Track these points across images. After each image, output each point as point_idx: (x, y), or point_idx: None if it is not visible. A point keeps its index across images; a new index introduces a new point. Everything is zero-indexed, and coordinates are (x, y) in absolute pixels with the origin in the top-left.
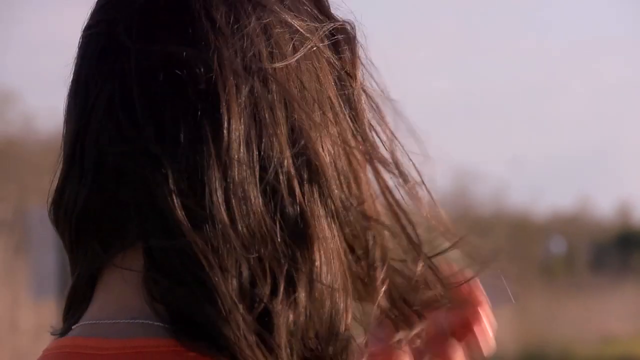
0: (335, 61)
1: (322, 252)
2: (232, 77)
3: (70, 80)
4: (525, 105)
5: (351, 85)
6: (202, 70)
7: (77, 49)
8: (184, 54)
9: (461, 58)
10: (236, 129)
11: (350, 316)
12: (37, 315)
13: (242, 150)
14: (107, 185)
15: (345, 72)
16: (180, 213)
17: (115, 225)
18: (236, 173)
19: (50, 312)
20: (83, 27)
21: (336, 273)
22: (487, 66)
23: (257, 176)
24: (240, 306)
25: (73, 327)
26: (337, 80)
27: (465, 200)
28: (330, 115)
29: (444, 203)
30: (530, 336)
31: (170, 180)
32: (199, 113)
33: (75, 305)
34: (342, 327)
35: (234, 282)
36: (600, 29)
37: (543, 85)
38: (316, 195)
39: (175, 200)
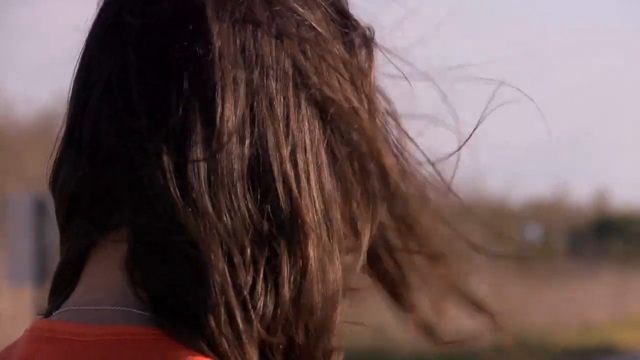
0: (348, 59)
1: (314, 246)
2: (231, 66)
3: (77, 61)
4: (503, 92)
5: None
6: (200, 57)
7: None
8: (185, 39)
9: (439, 40)
10: (229, 119)
11: (341, 312)
12: (14, 301)
13: (233, 140)
14: (101, 167)
15: (360, 71)
16: (174, 192)
17: (106, 206)
18: (224, 163)
19: (27, 299)
20: (96, 9)
21: (328, 268)
22: (467, 50)
23: (247, 167)
24: (229, 292)
25: (57, 311)
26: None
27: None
28: None
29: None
30: (508, 323)
31: (162, 163)
32: (193, 99)
33: (61, 286)
34: (334, 326)
35: (221, 265)
36: (587, 18)
37: (521, 72)
38: (313, 191)
39: (169, 181)
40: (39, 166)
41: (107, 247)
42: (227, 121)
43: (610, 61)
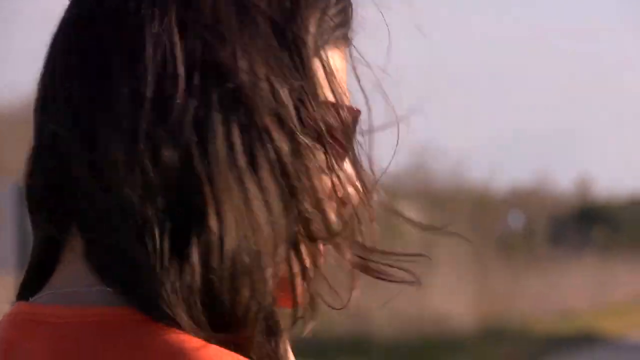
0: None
1: (226, 215)
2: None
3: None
4: (488, 84)
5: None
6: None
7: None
8: (135, 39)
9: (426, 33)
10: (146, 110)
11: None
12: None
13: (141, 114)
14: (52, 163)
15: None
16: (93, 185)
17: (62, 200)
18: (132, 141)
19: (9, 287)
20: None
21: (254, 238)
22: (451, 45)
23: (159, 141)
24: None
25: (36, 296)
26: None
27: (425, 176)
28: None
29: (404, 178)
30: (490, 311)
31: (82, 158)
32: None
33: (35, 273)
34: (266, 296)
35: (138, 247)
36: (573, 15)
37: (507, 66)
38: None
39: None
40: (22, 155)
41: (75, 238)
42: (145, 101)
43: (586, 54)
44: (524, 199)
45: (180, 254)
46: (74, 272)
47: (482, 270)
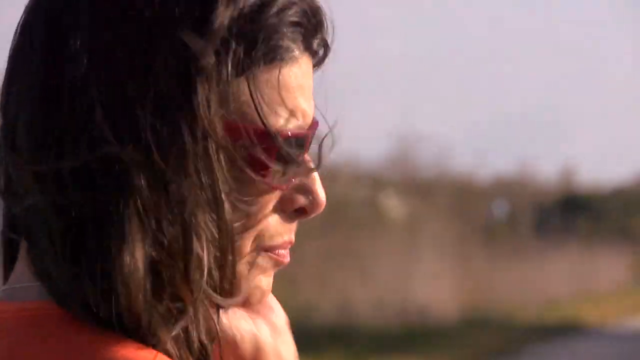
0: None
1: (124, 249)
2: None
3: None
4: (471, 70)
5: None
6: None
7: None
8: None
9: (411, 21)
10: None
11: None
12: None
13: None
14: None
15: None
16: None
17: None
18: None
19: None
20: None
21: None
22: (435, 30)
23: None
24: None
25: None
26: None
27: (409, 163)
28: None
29: (387, 166)
30: (473, 300)
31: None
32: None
33: (6, 272)
34: (144, 323)
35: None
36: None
37: (490, 51)
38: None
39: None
40: None
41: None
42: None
43: (571, 39)
44: (508, 188)
45: (91, 255)
46: (21, 268)
47: (465, 259)
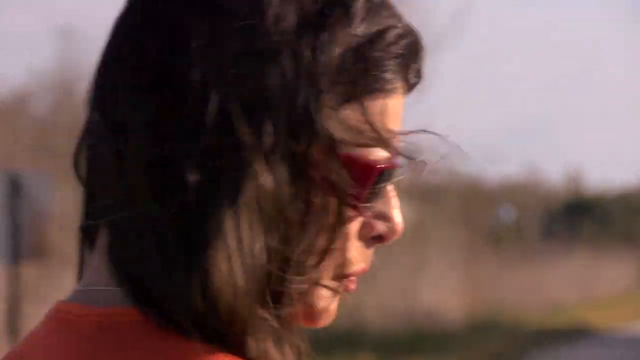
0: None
1: (219, 257)
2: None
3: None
4: (478, 75)
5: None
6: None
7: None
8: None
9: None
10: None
11: (260, 322)
12: None
13: (142, 148)
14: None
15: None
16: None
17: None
18: (135, 175)
19: (0, 276)
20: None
21: (241, 278)
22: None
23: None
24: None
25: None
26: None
27: (416, 167)
28: None
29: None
30: (479, 304)
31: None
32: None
33: (80, 267)
34: (248, 330)
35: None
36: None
37: (496, 54)
38: (225, 200)
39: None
40: (13, 144)
41: (103, 229)
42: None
43: (578, 44)
44: (515, 192)
45: (189, 263)
46: (97, 268)
47: (472, 263)
